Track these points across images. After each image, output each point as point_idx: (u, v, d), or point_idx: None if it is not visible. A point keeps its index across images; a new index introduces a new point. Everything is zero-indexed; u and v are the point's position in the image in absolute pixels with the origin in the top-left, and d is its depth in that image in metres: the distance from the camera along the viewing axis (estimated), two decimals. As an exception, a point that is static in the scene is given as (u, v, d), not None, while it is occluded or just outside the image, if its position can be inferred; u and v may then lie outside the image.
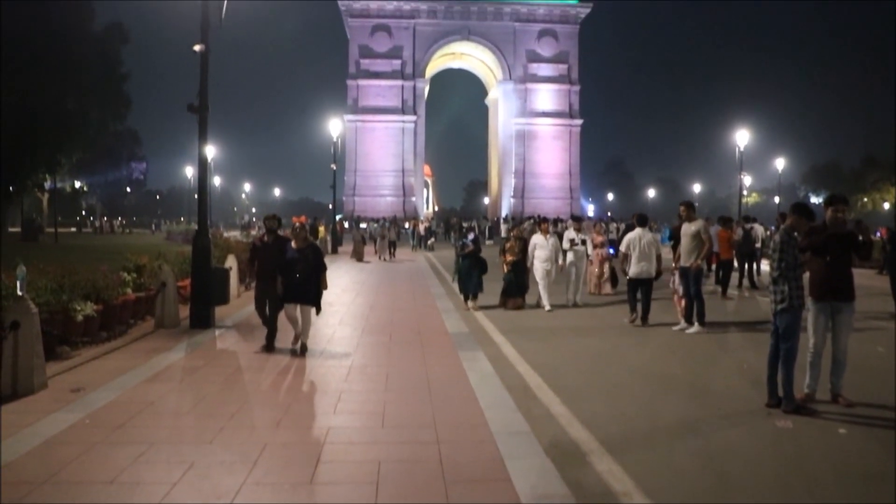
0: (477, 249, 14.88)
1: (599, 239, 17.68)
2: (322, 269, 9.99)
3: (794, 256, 7.10)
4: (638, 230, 12.93)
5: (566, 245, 15.63)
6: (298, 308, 9.74)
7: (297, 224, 10.60)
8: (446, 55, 76.98)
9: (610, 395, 7.70)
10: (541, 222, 15.80)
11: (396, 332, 11.80)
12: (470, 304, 14.58)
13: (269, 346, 10.09)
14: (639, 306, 12.67)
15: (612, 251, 17.74)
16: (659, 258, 12.77)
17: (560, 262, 15.04)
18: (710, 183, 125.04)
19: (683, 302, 12.22)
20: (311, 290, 9.78)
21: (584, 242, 15.73)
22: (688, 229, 11.99)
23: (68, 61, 40.15)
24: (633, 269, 12.63)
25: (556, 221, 37.97)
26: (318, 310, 9.96)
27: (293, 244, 9.86)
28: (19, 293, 7.71)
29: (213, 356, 9.92)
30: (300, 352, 9.78)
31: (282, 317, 10.08)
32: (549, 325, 12.71)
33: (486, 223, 58.37)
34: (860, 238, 7.48)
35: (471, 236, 15.39)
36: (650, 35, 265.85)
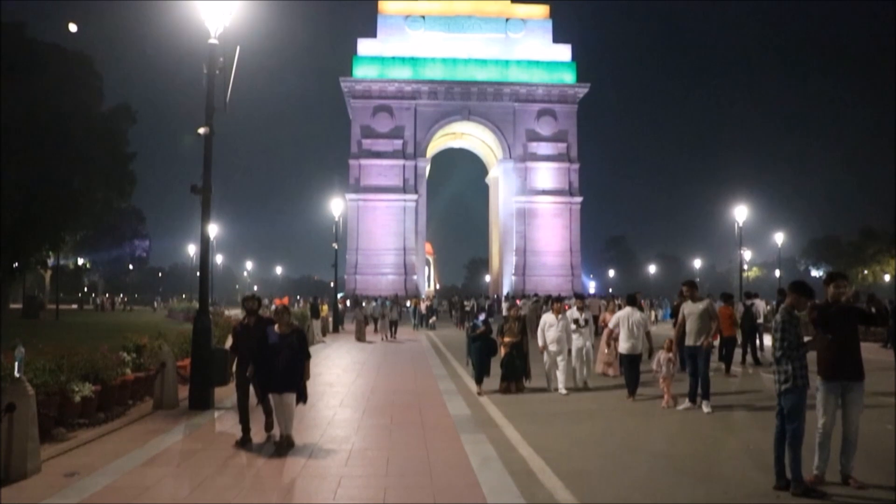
0: (488, 331, 14.41)
1: (610, 316, 16.75)
2: (306, 356, 9.18)
3: (796, 335, 7.07)
4: (627, 309, 13.53)
5: (571, 326, 14.89)
6: (280, 398, 8.92)
7: (280, 306, 9.71)
8: (447, 135, 78.28)
9: (615, 479, 7.54)
10: (553, 301, 15.03)
11: (398, 415, 11.63)
12: (476, 388, 14.05)
13: (267, 427, 9.58)
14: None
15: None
16: (648, 336, 13.22)
17: (570, 346, 14.42)
18: (710, 257, 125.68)
19: (667, 382, 12.36)
20: (294, 379, 8.94)
21: (587, 322, 15.15)
22: (694, 308, 11.98)
23: (76, 141, 40.84)
24: (623, 346, 13.21)
25: (558, 298, 37.77)
26: (304, 399, 9.19)
27: (276, 328, 9.14)
28: (17, 374, 7.63)
29: (212, 439, 9.76)
30: (284, 447, 8.79)
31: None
32: (554, 408, 12.48)
33: (484, 301, 58.24)
34: (872, 309, 7.53)
35: (481, 317, 14.93)
36: (648, 112, 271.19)
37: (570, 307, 15.99)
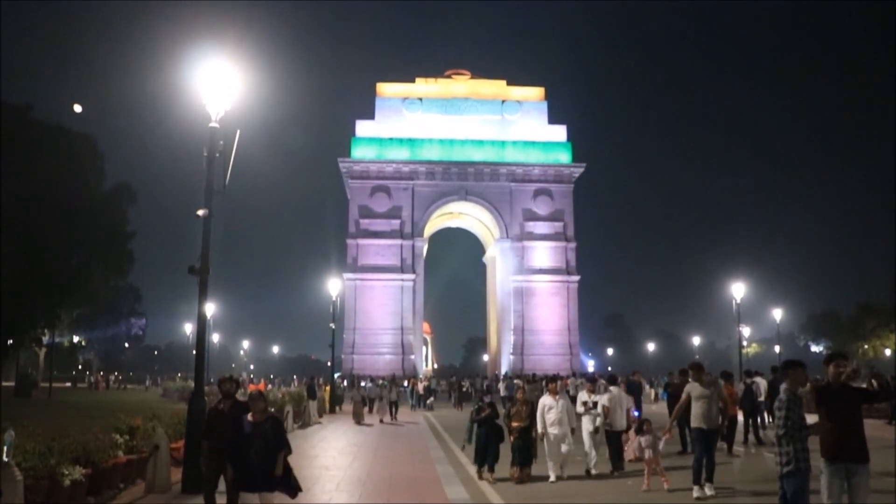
0: (493, 414, 13.76)
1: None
2: (283, 448, 8.15)
3: (799, 416, 7.00)
4: (612, 389, 14.39)
5: (579, 408, 14.24)
6: (257, 497, 7.90)
7: (254, 392, 8.78)
8: (444, 214, 78.95)
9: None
10: (549, 381, 14.53)
11: (395, 498, 11.35)
12: (486, 474, 13.36)
13: None
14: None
15: (636, 413, 16.21)
16: (627, 413, 14.20)
17: (573, 426, 13.57)
18: (709, 334, 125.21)
19: (650, 465, 12.22)
20: (270, 475, 7.97)
21: (596, 405, 14.26)
22: (703, 392, 11.87)
23: (77, 220, 41.10)
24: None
25: (554, 378, 37.42)
26: (292, 492, 8.25)
27: (250, 417, 8.19)
28: (5, 459, 7.47)
29: (203, 525, 9.47)
30: None
31: None
32: (557, 496, 12.13)
33: (480, 381, 57.67)
34: (874, 385, 7.48)
35: (487, 399, 14.38)
36: (644, 190, 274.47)
37: (568, 382, 15.73)
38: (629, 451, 15.81)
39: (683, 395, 12.34)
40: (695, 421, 11.83)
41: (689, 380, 12.47)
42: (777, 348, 71.09)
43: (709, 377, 12.49)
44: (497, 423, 13.77)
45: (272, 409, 9.42)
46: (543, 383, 33.64)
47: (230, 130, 12.54)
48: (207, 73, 12.13)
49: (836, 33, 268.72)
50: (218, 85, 12.18)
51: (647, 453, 12.25)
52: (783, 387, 7.40)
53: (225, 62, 12.19)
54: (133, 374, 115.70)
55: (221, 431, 8.65)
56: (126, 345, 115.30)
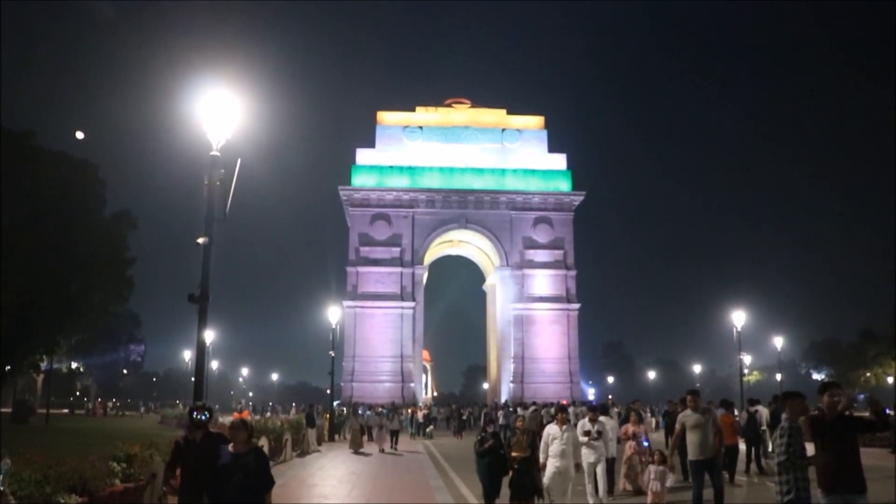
0: (497, 444, 13.06)
1: (633, 429, 15.79)
2: (266, 485, 7.57)
3: (801, 445, 7.00)
4: (602, 418, 14.54)
5: (581, 437, 13.78)
6: None
7: (236, 421, 8.25)
8: (444, 242, 79.03)
9: None
10: (558, 411, 13.59)
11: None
12: None
13: None
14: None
15: (646, 443, 15.87)
16: (638, 443, 15.00)
17: (578, 461, 13.08)
18: (710, 362, 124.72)
19: (657, 496, 12.05)
20: None
21: (600, 434, 13.92)
22: (698, 420, 11.61)
23: (77, 247, 41.15)
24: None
25: (562, 408, 37.20)
26: None
27: (230, 447, 7.61)
28: (1, 488, 7.44)
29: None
30: None
31: None
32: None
33: (478, 409, 57.40)
34: (871, 413, 7.48)
35: (490, 429, 13.79)
36: (644, 218, 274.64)
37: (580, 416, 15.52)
38: (622, 481, 15.81)
39: (677, 425, 12.13)
40: (692, 452, 11.54)
41: (689, 408, 12.04)
42: (778, 376, 70.75)
43: (702, 405, 12.33)
44: (501, 455, 13.05)
45: (256, 440, 8.58)
46: (545, 411, 33.56)
47: (231, 158, 12.59)
48: (209, 102, 12.22)
49: (842, 56, 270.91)
50: (219, 113, 12.27)
51: (656, 486, 12.05)
52: (784, 416, 7.41)
53: (226, 91, 12.30)
54: (131, 400, 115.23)
55: (192, 464, 8.00)
56: (125, 371, 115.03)
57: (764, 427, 20.62)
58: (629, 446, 15.40)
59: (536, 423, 24.93)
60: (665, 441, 27.11)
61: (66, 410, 78.28)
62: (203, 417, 8.34)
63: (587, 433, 13.83)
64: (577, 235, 74.80)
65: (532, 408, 39.78)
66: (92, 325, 51.77)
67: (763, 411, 21.51)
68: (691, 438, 11.58)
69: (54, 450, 12.11)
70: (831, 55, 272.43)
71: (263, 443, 20.36)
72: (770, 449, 21.11)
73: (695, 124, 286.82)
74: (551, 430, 12.88)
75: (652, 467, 12.14)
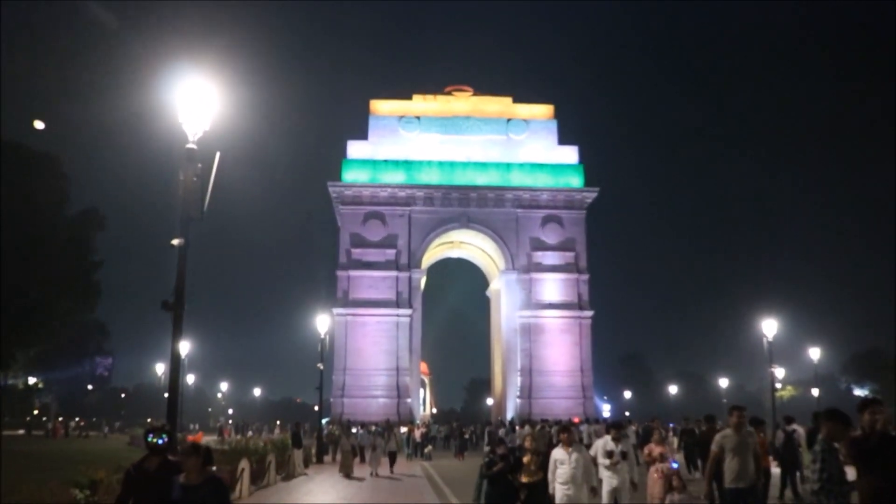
0: (507, 468, 12.86)
1: (658, 450, 15.03)
2: None
3: (838, 469, 6.95)
4: (605, 437, 14.08)
5: (602, 460, 13.37)
6: None
7: (188, 445, 7.84)
8: (444, 244, 79.01)
9: None
10: (561, 431, 13.21)
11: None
12: None
13: None
14: None
15: (675, 465, 15.23)
16: (666, 464, 14.15)
17: (594, 484, 12.55)
18: (738, 376, 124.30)
19: None
20: None
21: (625, 456, 13.49)
22: (739, 442, 11.28)
23: (36, 248, 40.99)
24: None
25: (565, 427, 37.12)
26: None
27: (182, 478, 7.20)
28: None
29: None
30: None
31: None
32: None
33: (481, 427, 57.42)
34: None
35: (500, 450, 13.54)
36: (662, 217, 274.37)
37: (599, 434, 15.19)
38: None
39: (714, 447, 11.66)
40: (730, 479, 11.19)
41: (728, 427, 11.71)
42: (815, 392, 70.48)
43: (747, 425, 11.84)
44: (510, 480, 12.86)
45: (217, 467, 8.02)
46: (555, 429, 33.47)
47: (209, 152, 12.57)
48: (185, 90, 12.16)
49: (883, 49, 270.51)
50: (196, 102, 12.22)
51: None
52: (819, 437, 7.36)
53: (204, 78, 12.25)
54: (96, 419, 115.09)
55: (144, 498, 7.43)
56: (89, 387, 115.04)
57: (801, 447, 20.55)
58: (655, 471, 14.48)
59: (544, 443, 24.74)
60: (686, 463, 27.13)
61: (21, 431, 77.97)
62: (160, 441, 7.79)
63: (609, 454, 13.40)
64: (589, 236, 74.90)
65: (539, 426, 39.65)
66: (53, 335, 51.70)
67: (801, 431, 21.44)
68: (730, 463, 11.22)
69: (7, 476, 12.04)
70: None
71: (244, 465, 20.32)
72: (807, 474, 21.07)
73: (722, 112, 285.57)
74: (556, 454, 12.49)
75: (673, 496, 11.91)
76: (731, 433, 11.51)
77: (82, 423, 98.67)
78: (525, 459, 12.90)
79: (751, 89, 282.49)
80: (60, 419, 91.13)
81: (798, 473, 20.00)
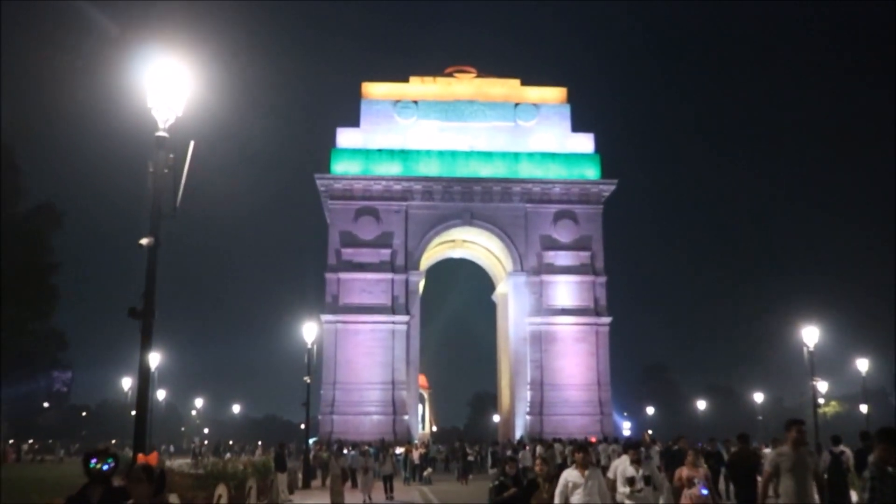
0: (521, 492, 12.88)
1: (688, 473, 14.62)
2: None
3: (893, 496, 6.90)
4: (623, 457, 13.93)
5: (622, 487, 13.24)
6: None
7: (137, 467, 7.46)
8: (445, 243, 78.96)
9: None
10: (576, 450, 13.09)
11: None
12: None
13: None
14: None
15: (704, 491, 14.76)
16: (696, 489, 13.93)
17: None
18: (775, 389, 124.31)
19: None
20: None
21: (648, 481, 13.29)
22: (797, 461, 11.16)
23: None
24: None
25: (582, 447, 37.14)
26: None
27: None
28: None
29: None
30: None
31: None
32: None
33: (487, 447, 57.42)
34: None
35: (510, 469, 13.56)
36: (687, 213, 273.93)
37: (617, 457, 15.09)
38: None
39: (768, 466, 11.64)
40: (786, 502, 11.12)
41: (787, 445, 11.56)
42: (864, 408, 70.40)
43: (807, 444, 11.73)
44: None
45: (190, 494, 7.90)
46: (569, 449, 33.44)
47: (183, 140, 12.52)
48: (155, 70, 12.11)
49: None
50: (167, 84, 12.16)
51: None
52: (871, 459, 7.31)
53: (176, 57, 12.19)
54: (53, 441, 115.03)
55: None
56: (45, 404, 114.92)
57: (850, 473, 20.46)
58: (687, 496, 14.28)
59: (555, 465, 24.63)
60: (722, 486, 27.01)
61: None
62: (104, 468, 7.63)
63: (630, 480, 13.24)
64: (606, 233, 74.93)
65: (548, 446, 39.56)
66: (2, 347, 51.58)
67: (849, 453, 21.37)
68: (786, 485, 11.14)
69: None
70: None
71: (221, 492, 20.24)
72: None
73: (753, 98, 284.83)
74: (570, 476, 12.41)
75: None
76: (788, 451, 11.37)
77: (37, 447, 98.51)
78: (539, 483, 12.93)
79: (801, 69, 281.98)
80: (11, 442, 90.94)
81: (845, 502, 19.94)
